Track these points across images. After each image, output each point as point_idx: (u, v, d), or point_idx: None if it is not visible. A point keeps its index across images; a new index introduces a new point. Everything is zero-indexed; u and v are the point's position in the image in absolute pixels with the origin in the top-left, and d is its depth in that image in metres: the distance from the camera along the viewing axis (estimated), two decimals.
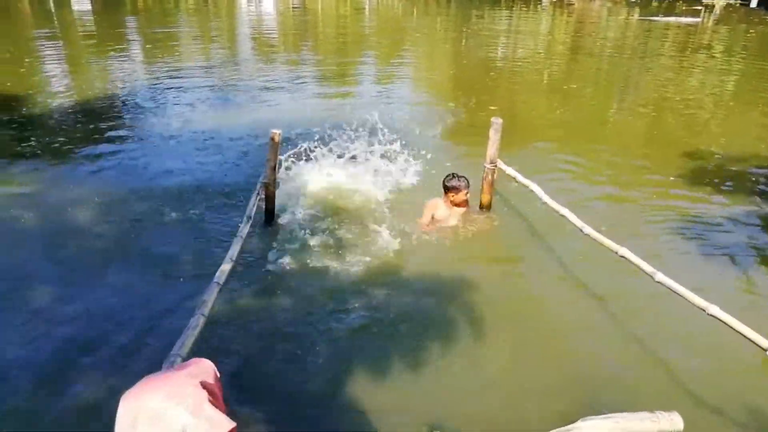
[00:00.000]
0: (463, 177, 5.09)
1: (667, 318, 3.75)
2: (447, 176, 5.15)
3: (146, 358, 3.24)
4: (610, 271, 4.21)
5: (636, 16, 26.23)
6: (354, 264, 4.45)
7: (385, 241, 4.85)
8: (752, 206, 5.71)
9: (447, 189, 5.12)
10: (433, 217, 5.15)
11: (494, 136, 5.19)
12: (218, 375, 1.44)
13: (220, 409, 1.33)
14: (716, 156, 7.21)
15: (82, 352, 3.38)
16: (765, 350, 2.58)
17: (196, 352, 2.47)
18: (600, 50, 16.78)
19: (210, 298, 2.80)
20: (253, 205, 4.60)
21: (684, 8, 28.43)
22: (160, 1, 30.88)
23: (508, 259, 4.77)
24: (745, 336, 2.68)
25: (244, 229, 4.12)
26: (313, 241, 4.81)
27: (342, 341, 3.60)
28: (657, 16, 25.16)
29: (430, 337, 3.63)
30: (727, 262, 4.59)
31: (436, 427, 3.00)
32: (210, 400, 1.29)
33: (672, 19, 23.98)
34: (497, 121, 5.14)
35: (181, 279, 4.22)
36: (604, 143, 7.82)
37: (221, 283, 3.07)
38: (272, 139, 4.95)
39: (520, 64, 14.26)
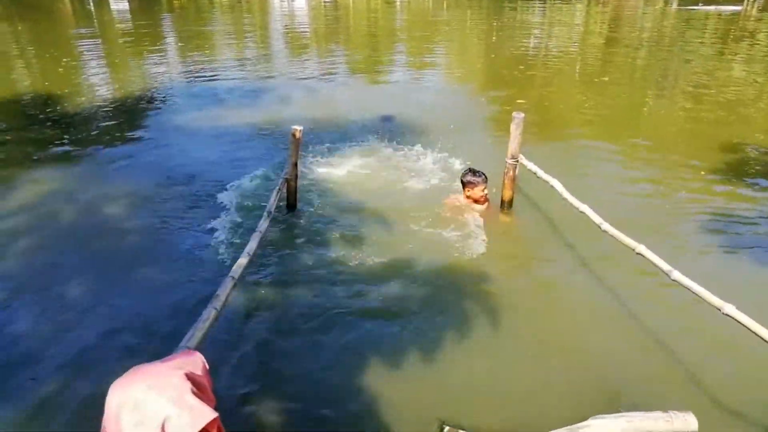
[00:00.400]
0: (480, 172, 5.06)
1: (684, 316, 3.68)
2: (464, 172, 5.14)
3: (157, 350, 3.34)
4: (629, 268, 4.14)
5: (674, 5, 25.48)
6: (372, 259, 4.49)
7: (404, 236, 4.88)
8: None
9: (463, 184, 5.11)
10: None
11: (515, 131, 5.14)
12: (207, 367, 1.49)
13: (208, 401, 1.37)
14: (754, 151, 6.98)
15: (101, 344, 3.51)
16: None
17: (207, 345, 2.54)
18: (636, 42, 16.37)
19: (223, 291, 2.86)
20: (274, 201, 4.66)
21: None
22: None
23: (527, 255, 4.73)
24: (760, 336, 2.62)
25: (264, 224, 4.19)
26: (333, 236, 4.87)
27: (356, 335, 3.64)
28: (697, 5, 24.36)
29: (445, 333, 3.64)
30: (752, 261, 4.45)
31: (448, 422, 3.02)
32: (194, 391, 1.34)
33: (712, 8, 23.19)
34: (519, 116, 5.09)
35: (203, 273, 4.33)
36: (636, 137, 7.62)
37: (236, 277, 3.13)
38: (293, 135, 5.02)
39: (551, 56, 14.04)
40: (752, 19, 20.73)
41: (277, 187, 4.91)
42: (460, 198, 5.22)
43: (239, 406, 3.03)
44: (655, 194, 5.76)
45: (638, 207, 5.48)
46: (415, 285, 4.17)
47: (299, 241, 4.85)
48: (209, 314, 2.57)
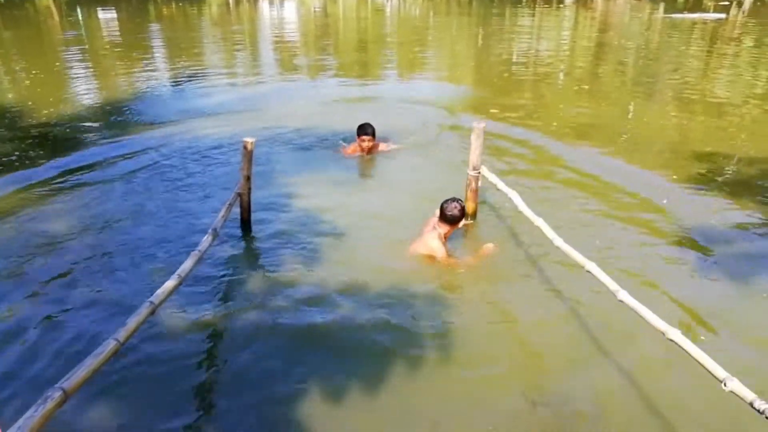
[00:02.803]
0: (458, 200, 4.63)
1: (630, 339, 3.50)
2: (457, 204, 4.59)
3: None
4: (581, 285, 3.95)
5: (660, 13, 25.42)
6: (327, 283, 4.22)
7: (363, 257, 4.64)
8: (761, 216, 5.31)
9: (457, 219, 4.58)
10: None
11: (476, 142, 4.98)
12: None
13: None
14: (732, 162, 6.75)
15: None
16: (721, 381, 2.32)
17: (98, 381, 2.34)
18: (622, 48, 16.27)
19: (133, 320, 2.61)
20: (222, 217, 4.41)
21: (711, 4, 27.43)
22: (183, 8, 31.34)
23: (483, 271, 4.51)
24: (702, 365, 2.43)
25: (205, 242, 3.92)
26: (286, 256, 4.61)
27: (299, 362, 3.42)
28: (682, 12, 24.32)
29: (393, 359, 3.42)
30: (712, 283, 4.22)
31: None
32: None
33: (698, 15, 23.14)
34: (479, 126, 4.93)
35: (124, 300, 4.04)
36: (613, 146, 7.36)
37: (156, 303, 2.89)
38: (245, 147, 4.82)
39: (536, 63, 13.93)
40: (737, 26, 20.67)
41: (227, 202, 4.68)
42: (440, 233, 4.65)
43: None
44: (621, 207, 5.51)
45: (603, 220, 5.27)
46: (369, 311, 3.88)
47: (248, 259, 4.65)
48: (106, 348, 2.34)
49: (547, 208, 5.08)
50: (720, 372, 2.37)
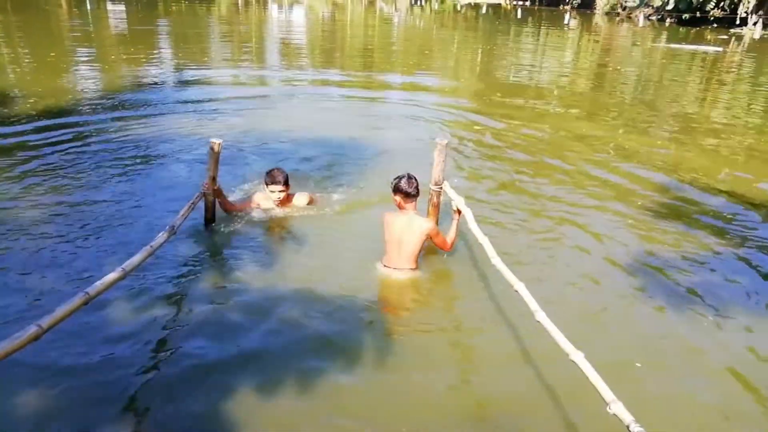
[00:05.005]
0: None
1: (541, 358, 3.59)
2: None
3: None
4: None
5: (662, 42, 25.66)
6: (279, 286, 4.31)
7: (321, 263, 4.75)
8: (723, 253, 5.28)
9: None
10: None
11: (438, 158, 5.09)
12: None
13: None
14: (700, 192, 6.77)
15: None
16: (607, 404, 2.44)
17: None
18: (618, 76, 16.37)
19: (62, 309, 2.69)
20: (183, 216, 4.51)
21: (710, 37, 27.67)
22: (192, 6, 31.67)
23: (431, 287, 4.62)
24: (595, 387, 2.55)
25: (160, 239, 4.00)
26: (246, 258, 4.71)
27: (239, 364, 3.48)
28: (683, 43, 24.56)
29: (335, 358, 3.54)
30: (656, 309, 4.34)
31: None
32: None
33: (700, 47, 23.39)
34: (441, 142, 5.06)
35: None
36: (584, 174, 7.26)
37: (92, 294, 2.97)
38: (212, 148, 4.94)
39: (533, 84, 14.06)
40: (736, 60, 20.82)
41: (190, 202, 4.78)
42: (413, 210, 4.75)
43: None
44: (578, 233, 5.53)
45: (556, 240, 5.38)
46: (317, 316, 3.98)
47: (206, 259, 4.74)
48: (25, 333, 2.40)
49: (508, 226, 5.38)
50: (608, 395, 2.49)
